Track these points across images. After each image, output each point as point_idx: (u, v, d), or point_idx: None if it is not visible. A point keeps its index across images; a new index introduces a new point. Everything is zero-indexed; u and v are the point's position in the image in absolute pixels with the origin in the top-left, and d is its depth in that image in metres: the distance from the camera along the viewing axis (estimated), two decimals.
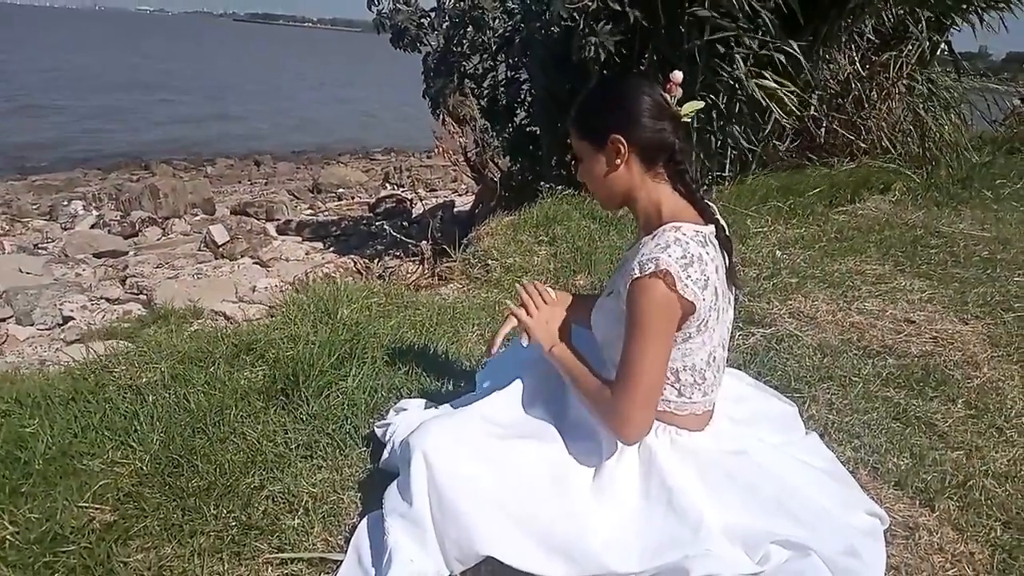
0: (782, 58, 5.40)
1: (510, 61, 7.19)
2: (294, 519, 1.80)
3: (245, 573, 1.65)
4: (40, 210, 10.18)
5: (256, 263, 7.99)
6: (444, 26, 7.31)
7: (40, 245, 8.33)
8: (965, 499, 1.96)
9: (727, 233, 1.68)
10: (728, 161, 6.16)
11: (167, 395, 2.25)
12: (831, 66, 6.70)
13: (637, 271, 1.49)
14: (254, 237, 8.70)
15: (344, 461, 2.00)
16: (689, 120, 1.62)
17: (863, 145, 6.66)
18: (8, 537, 1.70)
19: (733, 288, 1.71)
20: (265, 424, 2.13)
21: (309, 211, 11.13)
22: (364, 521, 1.73)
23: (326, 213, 10.85)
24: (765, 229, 4.48)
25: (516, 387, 1.82)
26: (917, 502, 1.97)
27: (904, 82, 6.70)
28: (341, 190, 12.35)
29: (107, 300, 6.56)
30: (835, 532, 1.64)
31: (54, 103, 22.76)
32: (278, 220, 10.10)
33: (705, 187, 5.92)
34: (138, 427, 2.09)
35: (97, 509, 1.80)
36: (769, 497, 1.66)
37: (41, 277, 7.04)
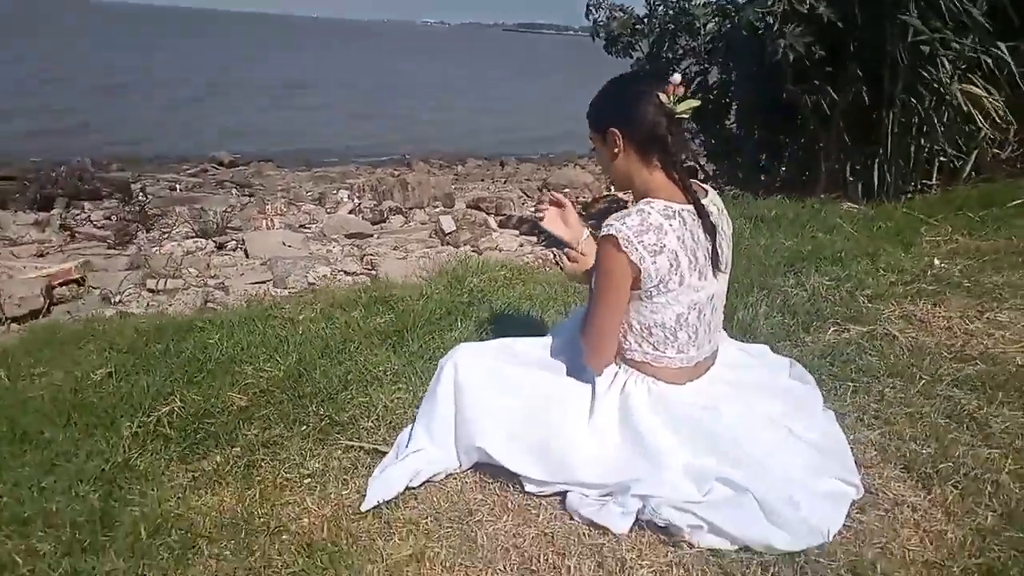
0: (988, 60, 5.08)
1: (719, 65, 7.30)
2: (368, 422, 2.32)
3: (323, 452, 2.19)
4: (312, 196, 11.87)
5: (473, 251, 8.80)
6: (655, 32, 7.60)
7: (305, 225, 9.79)
8: (968, 488, 2.01)
9: (712, 218, 1.91)
10: (935, 169, 5.86)
11: (313, 327, 2.89)
12: None
13: (601, 233, 1.82)
14: (477, 228, 9.55)
15: (420, 387, 2.48)
16: (686, 116, 1.89)
17: None
18: (176, 410, 2.39)
19: (717, 265, 1.94)
20: (374, 355, 2.68)
21: (533, 208, 11.87)
22: (408, 426, 2.21)
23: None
24: (940, 239, 4.32)
25: (548, 336, 2.21)
26: (918, 485, 2.05)
27: None
28: (567, 190, 12.98)
29: (345, 272, 7.65)
30: (778, 482, 1.84)
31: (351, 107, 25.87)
32: (504, 215, 10.93)
33: (908, 196, 5.69)
34: (284, 347, 2.73)
35: (238, 398, 2.44)
36: (725, 446, 1.89)
37: (299, 251, 8.34)
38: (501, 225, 10.14)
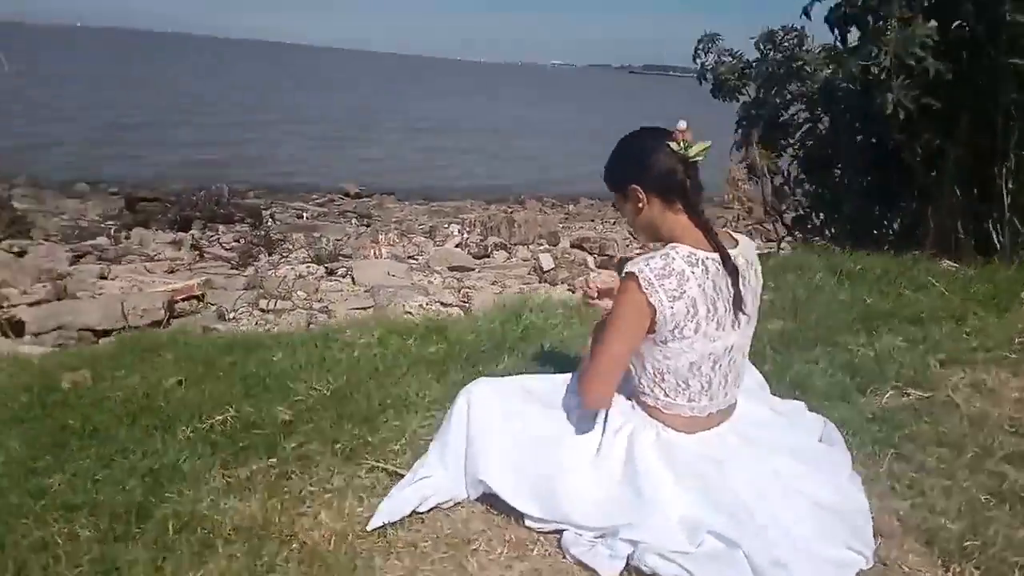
0: None
1: (828, 113, 7.13)
2: (396, 445, 2.43)
3: (349, 470, 2.32)
4: (424, 229, 12.30)
5: (569, 289, 8.88)
6: (762, 77, 7.50)
7: (413, 256, 10.17)
8: (992, 569, 1.90)
9: (734, 263, 1.93)
10: None
11: (367, 351, 3.05)
12: None
13: (624, 270, 1.88)
14: (575, 267, 9.64)
15: None
16: (700, 159, 1.93)
17: None
18: (229, 419, 2.58)
19: (741, 313, 1.95)
20: (417, 382, 2.81)
21: (639, 250, 11.83)
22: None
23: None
24: None
25: (563, 376, 2.27)
26: (938, 561, 1.96)
27: None
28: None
29: (441, 303, 7.89)
30: (772, 542, 1.81)
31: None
32: (607, 255, 10.97)
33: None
34: (337, 368, 2.90)
35: (285, 413, 2.61)
36: (725, 501, 1.88)
37: (402, 280, 8.68)
38: (601, 265, 10.18)
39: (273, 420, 2.57)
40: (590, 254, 11.34)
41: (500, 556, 1.95)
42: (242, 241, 10.54)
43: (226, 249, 10.11)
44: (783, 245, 7.23)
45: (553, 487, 1.99)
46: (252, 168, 19.25)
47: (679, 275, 1.85)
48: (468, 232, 12.35)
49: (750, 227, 8.23)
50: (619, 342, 1.92)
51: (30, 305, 6.93)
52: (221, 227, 11.76)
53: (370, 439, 2.46)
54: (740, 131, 7.45)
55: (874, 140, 6.07)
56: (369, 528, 2.02)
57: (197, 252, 9.63)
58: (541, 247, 11.62)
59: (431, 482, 2.10)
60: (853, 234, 6.69)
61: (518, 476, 2.03)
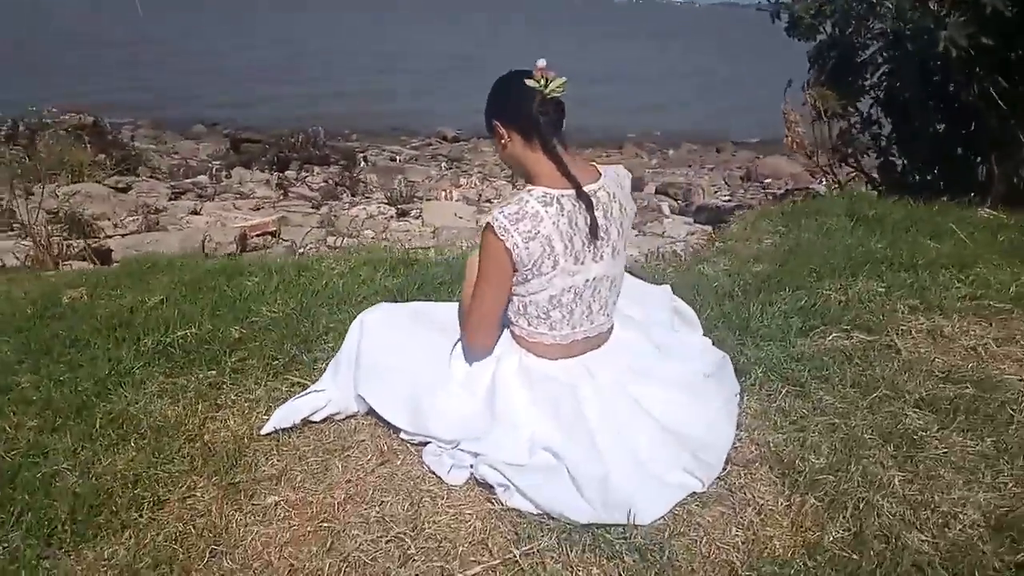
0: None
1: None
2: (324, 364, 2.62)
3: (274, 384, 2.54)
4: (506, 172, 12.43)
5: (638, 235, 8.83)
6: (839, 14, 7.10)
7: (484, 200, 10.35)
8: (837, 503, 1.92)
9: (590, 197, 1.98)
10: None
11: (336, 280, 3.27)
12: None
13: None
14: (648, 213, 9.55)
15: None
16: (559, 94, 1.97)
17: None
18: (191, 335, 2.85)
19: (599, 241, 2.01)
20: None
21: (727, 198, 11.54)
22: None
23: (736, 201, 11.14)
24: None
25: (455, 303, 2.39)
26: (785, 492, 1.99)
27: None
28: (768, 180, 12.43)
29: None
30: (605, 461, 1.91)
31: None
32: (689, 202, 10.77)
33: None
34: (300, 293, 3.14)
35: (238, 331, 2.87)
36: (568, 421, 1.99)
37: (468, 222, 8.89)
38: (677, 212, 10.03)
39: (226, 337, 2.82)
40: (674, 200, 11.18)
41: (367, 462, 2.13)
42: (329, 182, 11.02)
43: (312, 189, 10.61)
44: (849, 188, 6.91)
45: (421, 404, 2.14)
46: (357, 111, 19.85)
47: (532, 216, 1.93)
48: None
49: (813, 170, 7.83)
50: (488, 293, 2.02)
51: (123, 236, 7.61)
52: (316, 168, 12.31)
53: (304, 358, 2.68)
54: (809, 71, 7.13)
55: (932, 82, 5.69)
56: (262, 432, 2.24)
57: (282, 191, 10.17)
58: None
59: (323, 395, 2.30)
60: (927, 181, 6.36)
61: (393, 392, 2.19)
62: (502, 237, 1.92)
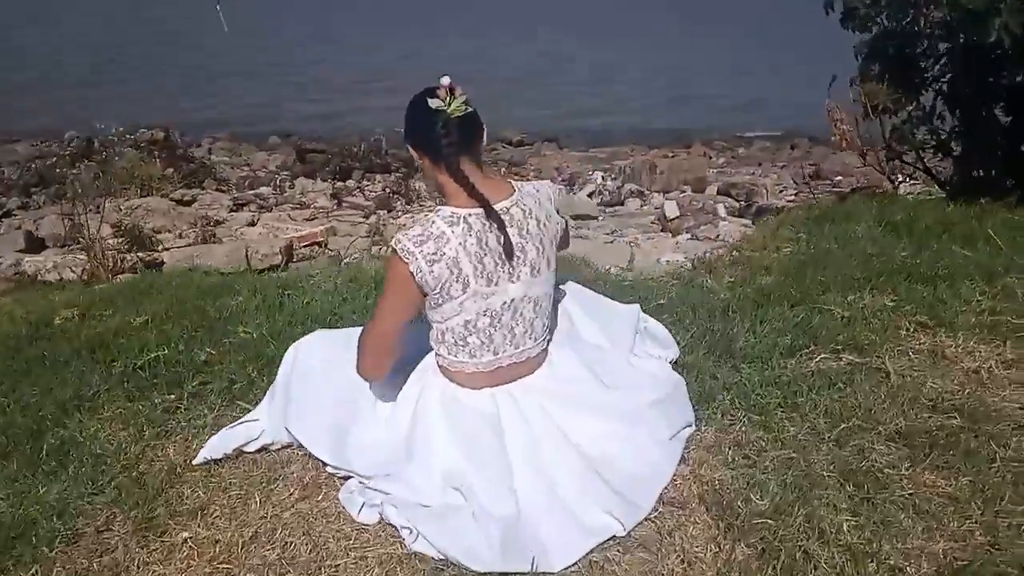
0: None
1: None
2: None
3: (224, 410, 2.51)
4: (563, 177, 12.28)
5: (691, 239, 8.56)
6: (894, 4, 6.70)
7: None
8: (766, 551, 1.75)
9: (500, 216, 1.88)
10: None
11: (320, 298, 3.25)
12: None
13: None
14: (702, 216, 9.25)
15: None
16: (462, 114, 1.87)
17: None
18: (162, 357, 2.86)
19: (514, 261, 1.90)
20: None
21: (791, 197, 11.08)
22: None
23: (799, 201, 10.68)
24: None
25: None
26: (717, 535, 1.83)
27: None
28: (839, 178, 11.87)
29: None
30: (513, 502, 1.79)
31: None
32: (752, 203, 10.39)
33: None
34: (276, 313, 3.13)
35: (207, 353, 2.86)
36: (487, 458, 1.89)
37: None
38: (735, 214, 9.68)
39: (194, 360, 2.82)
40: (736, 200, 10.81)
41: (288, 497, 2.07)
42: (387, 190, 11.13)
43: (367, 199, 10.72)
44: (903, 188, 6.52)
45: (345, 437, 2.07)
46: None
47: (438, 238, 1.84)
48: (614, 179, 12.18)
49: (868, 167, 7.37)
50: (386, 317, 1.95)
51: (175, 249, 7.85)
52: (378, 176, 12.46)
53: (261, 383, 2.65)
54: (859, 64, 6.75)
55: (988, 73, 5.28)
56: (195, 462, 2.22)
57: (336, 201, 10.31)
58: (684, 194, 11.24)
59: (257, 425, 2.26)
60: (992, 179, 5.92)
61: (318, 424, 2.13)
62: (406, 260, 1.84)
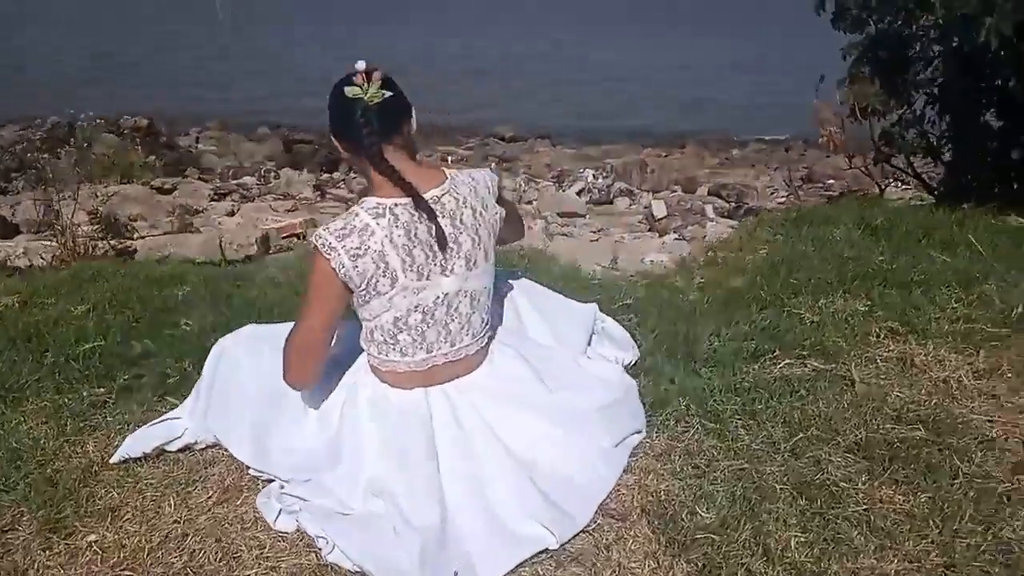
0: None
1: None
2: None
3: (155, 404, 2.38)
4: (553, 173, 12.16)
5: (678, 239, 8.44)
6: (884, 5, 6.59)
7: (525, 201, 10.11)
8: (706, 567, 1.63)
9: (429, 205, 1.76)
10: None
11: (269, 291, 3.11)
12: None
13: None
14: (690, 216, 9.14)
15: None
16: (380, 99, 1.75)
17: None
18: (98, 349, 2.73)
19: (453, 257, 1.78)
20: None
21: (781, 200, 10.96)
22: None
23: (789, 203, 10.58)
24: None
25: None
26: (657, 550, 1.71)
27: None
28: (831, 181, 11.76)
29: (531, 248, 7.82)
30: (436, 510, 1.68)
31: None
32: (741, 204, 10.28)
33: None
34: (220, 305, 2.99)
35: (140, 345, 2.73)
36: (415, 463, 1.77)
37: None
38: (722, 215, 9.57)
39: (127, 352, 2.69)
40: (726, 202, 10.70)
41: (206, 500, 1.95)
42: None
43: (351, 191, 10.58)
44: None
45: (267, 438, 1.96)
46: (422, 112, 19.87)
47: (361, 231, 1.72)
48: (604, 177, 12.05)
49: (856, 170, 7.25)
50: (311, 318, 1.82)
51: (149, 238, 7.71)
52: None
53: (195, 377, 2.51)
54: (848, 65, 6.64)
55: (978, 76, 5.18)
56: (112, 461, 2.09)
57: (319, 192, 10.18)
58: (674, 194, 11.12)
59: (180, 423, 2.13)
60: (982, 183, 5.82)
61: (240, 425, 2.01)
62: (328, 256, 1.71)
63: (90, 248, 6.90)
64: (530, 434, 1.86)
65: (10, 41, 27.22)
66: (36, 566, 1.74)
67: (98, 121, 10.31)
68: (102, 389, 2.48)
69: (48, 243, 6.77)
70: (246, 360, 2.07)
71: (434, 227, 1.75)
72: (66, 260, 6.34)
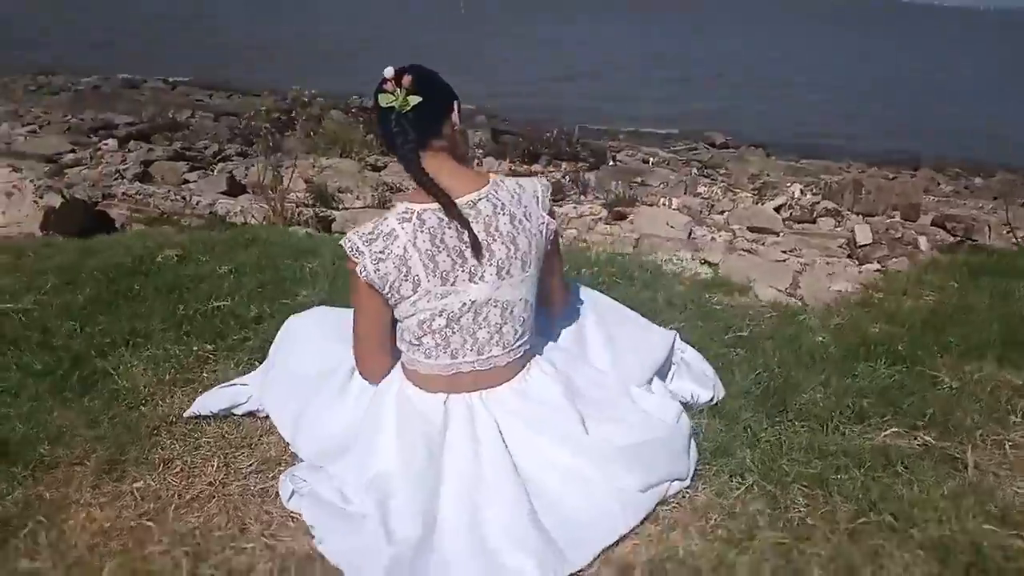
0: None
1: None
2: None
3: (219, 367, 2.55)
4: (755, 186, 11.58)
5: (879, 270, 7.73)
6: None
7: (716, 211, 9.70)
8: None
9: (460, 210, 1.72)
10: None
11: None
12: None
13: None
14: (899, 246, 8.32)
15: None
16: (414, 104, 1.72)
17: None
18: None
19: (485, 264, 1.75)
20: None
21: (1017, 241, 9.69)
22: None
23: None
24: None
25: None
26: None
27: None
28: None
29: (704, 261, 7.50)
30: (420, 515, 1.67)
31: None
32: (964, 239, 9.22)
33: None
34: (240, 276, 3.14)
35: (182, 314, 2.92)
36: (417, 471, 1.75)
37: (679, 233, 8.41)
38: (949, 251, 8.59)
39: (245, 314, 2.88)
40: (951, 234, 9.63)
41: (245, 466, 2.05)
42: (566, 179, 11.07)
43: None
44: None
45: (303, 420, 2.01)
46: (639, 114, 19.71)
47: (387, 235, 1.73)
48: (813, 194, 11.30)
49: None
50: (358, 318, 1.87)
51: (348, 209, 8.27)
52: (564, 164, 12.43)
53: (252, 343, 2.67)
54: None
55: None
56: (185, 416, 2.25)
57: None
58: (891, 219, 10.19)
59: (246, 390, 2.25)
60: None
61: (287, 403, 2.09)
62: (355, 260, 1.74)
63: (296, 213, 7.53)
64: (545, 461, 1.78)
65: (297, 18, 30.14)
66: (81, 501, 1.91)
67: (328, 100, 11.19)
68: (211, 346, 2.68)
69: (263, 205, 7.47)
70: (306, 343, 2.15)
71: (467, 232, 1.70)
72: (273, 221, 6.97)
